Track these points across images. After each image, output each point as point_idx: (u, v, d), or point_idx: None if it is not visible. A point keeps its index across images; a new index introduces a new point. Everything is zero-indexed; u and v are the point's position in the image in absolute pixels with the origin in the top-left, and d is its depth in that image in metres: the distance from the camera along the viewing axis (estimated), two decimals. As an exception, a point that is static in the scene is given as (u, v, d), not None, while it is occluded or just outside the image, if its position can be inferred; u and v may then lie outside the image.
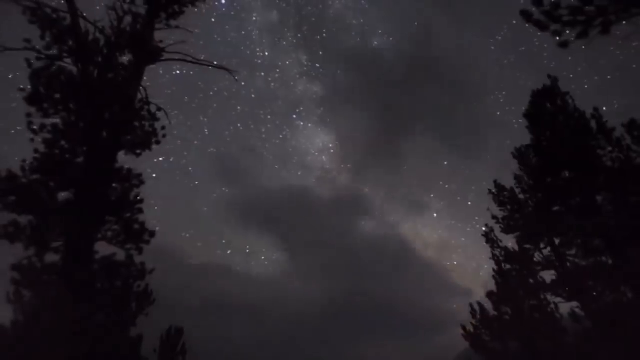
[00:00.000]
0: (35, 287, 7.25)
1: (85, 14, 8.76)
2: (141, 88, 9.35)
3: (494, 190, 12.68)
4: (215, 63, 10.67)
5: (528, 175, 12.34)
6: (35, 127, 8.06)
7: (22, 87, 8.08)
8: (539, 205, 11.81)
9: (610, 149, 10.86)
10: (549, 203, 11.58)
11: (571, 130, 11.47)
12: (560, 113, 11.86)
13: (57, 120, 8.21)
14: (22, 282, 7.25)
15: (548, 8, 4.67)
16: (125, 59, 9.22)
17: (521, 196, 12.34)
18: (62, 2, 8.66)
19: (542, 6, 4.69)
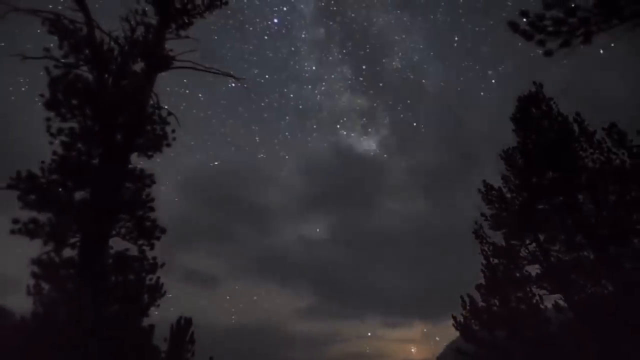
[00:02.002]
0: (53, 280, 7.25)
1: (100, 25, 8.77)
2: (152, 94, 9.34)
3: (483, 190, 12.65)
4: (222, 71, 10.62)
5: (514, 176, 12.32)
6: (53, 131, 8.06)
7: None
8: (525, 203, 11.79)
9: (591, 150, 10.85)
10: (534, 201, 11.57)
11: (555, 133, 11.46)
12: (545, 117, 11.86)
13: (74, 124, 8.21)
14: (42, 276, 7.25)
15: (533, 19, 4.66)
16: (138, 66, 9.22)
17: (508, 195, 12.31)
18: (79, 13, 8.66)
19: (528, 17, 4.68)
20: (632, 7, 4.32)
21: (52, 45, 8.26)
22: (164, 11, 9.74)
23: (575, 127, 11.33)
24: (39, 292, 7.18)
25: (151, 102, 9.25)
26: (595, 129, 10.94)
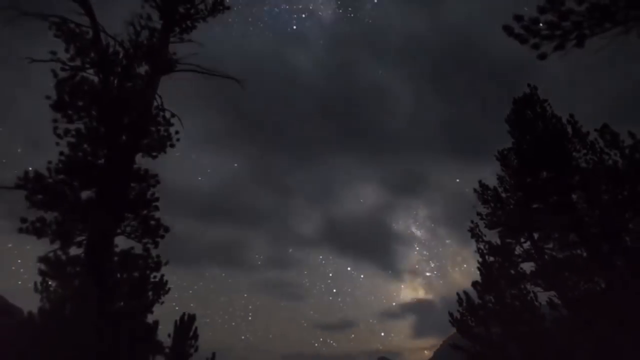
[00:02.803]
0: (60, 277, 7.26)
1: (105, 29, 8.77)
2: (157, 96, 9.34)
3: (478, 190, 12.66)
4: (223, 73, 10.60)
5: (509, 176, 12.32)
6: (60, 132, 8.06)
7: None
8: (520, 202, 11.80)
9: (584, 151, 10.85)
10: (529, 201, 11.57)
11: (549, 134, 11.46)
12: (539, 119, 11.86)
13: (80, 126, 8.22)
14: (48, 273, 7.26)
15: (528, 23, 4.67)
16: (142, 69, 9.22)
17: (503, 195, 12.32)
18: (85, 17, 8.66)
19: (523, 21, 4.69)
20: (624, 11, 4.33)
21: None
22: (167, 15, 9.75)
23: (569, 128, 11.35)
24: (46, 289, 7.20)
25: (155, 104, 9.26)
26: (589, 130, 10.97)
